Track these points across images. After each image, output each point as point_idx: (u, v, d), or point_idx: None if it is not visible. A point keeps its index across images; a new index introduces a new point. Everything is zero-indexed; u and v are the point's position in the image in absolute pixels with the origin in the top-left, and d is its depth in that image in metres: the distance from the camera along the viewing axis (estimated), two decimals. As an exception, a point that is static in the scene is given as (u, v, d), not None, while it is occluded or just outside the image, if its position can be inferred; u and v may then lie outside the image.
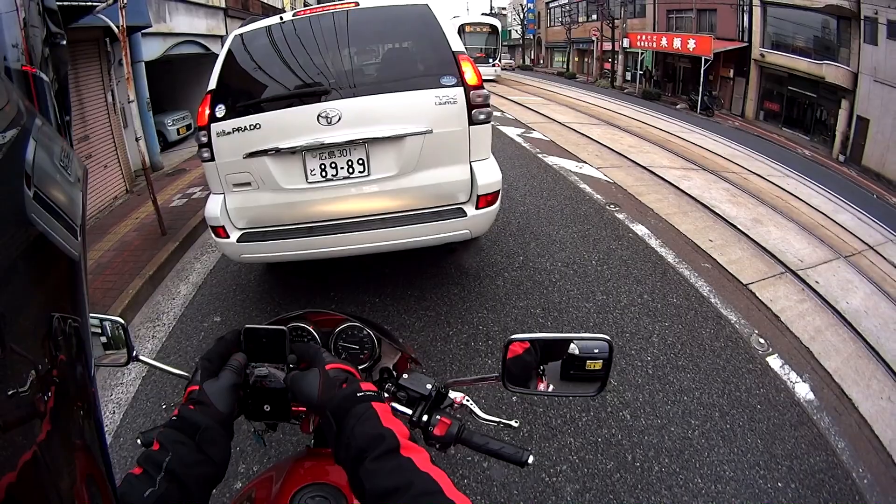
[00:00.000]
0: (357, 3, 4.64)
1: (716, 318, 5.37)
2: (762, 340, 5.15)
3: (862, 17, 24.15)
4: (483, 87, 4.39)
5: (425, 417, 1.38)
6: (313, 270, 5.75)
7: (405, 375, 1.48)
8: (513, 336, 1.37)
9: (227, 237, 4.55)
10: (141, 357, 1.49)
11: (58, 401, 0.56)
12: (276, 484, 1.32)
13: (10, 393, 0.48)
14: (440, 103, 4.27)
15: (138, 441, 1.29)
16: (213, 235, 4.68)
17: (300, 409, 1.41)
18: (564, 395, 1.64)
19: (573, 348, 1.39)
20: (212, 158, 4.40)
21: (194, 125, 13.81)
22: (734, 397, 4.29)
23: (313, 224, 4.52)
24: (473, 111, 4.32)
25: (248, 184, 4.43)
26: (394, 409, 1.37)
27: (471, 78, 4.32)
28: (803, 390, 4.57)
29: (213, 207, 4.52)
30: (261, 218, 4.57)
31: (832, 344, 5.67)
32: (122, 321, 1.48)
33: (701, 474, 3.55)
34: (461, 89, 4.29)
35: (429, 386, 1.41)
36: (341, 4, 4.67)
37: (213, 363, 1.25)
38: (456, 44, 4.47)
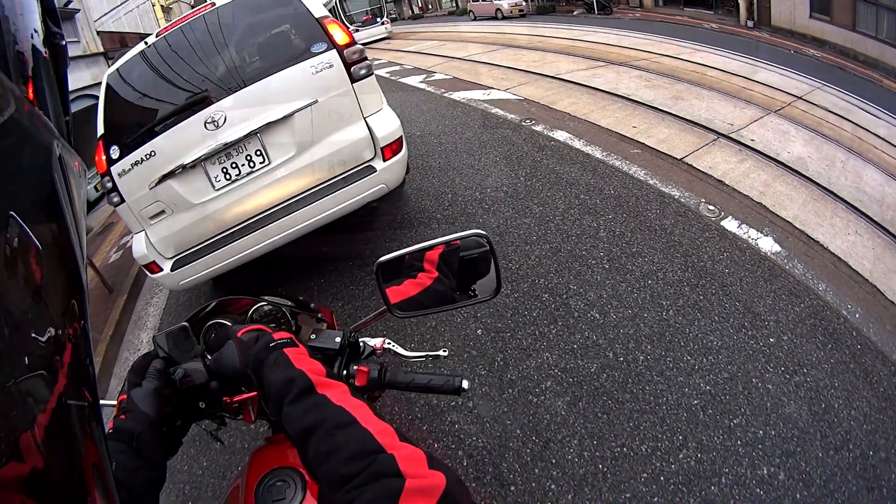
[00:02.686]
0: (213, 3, 4.59)
1: (658, 198, 5.24)
2: (711, 207, 5.05)
3: None
4: (356, 44, 4.39)
5: (345, 372, 1.36)
6: (257, 274, 5.56)
7: (313, 336, 1.44)
8: (380, 259, 1.36)
9: (161, 270, 4.50)
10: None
11: (67, 386, 0.51)
12: (241, 482, 1.30)
13: (19, 380, 0.44)
14: (317, 71, 4.25)
15: None
16: (147, 273, 4.64)
17: (239, 397, 1.29)
18: (465, 305, 1.50)
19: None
20: (122, 200, 4.34)
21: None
22: (699, 268, 4.19)
23: (235, 228, 4.47)
24: (353, 68, 4.30)
25: (163, 212, 4.38)
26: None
27: (341, 38, 4.30)
28: (767, 244, 4.51)
29: (139, 246, 4.48)
30: (185, 240, 4.51)
31: (784, 194, 5.62)
32: None
33: (688, 351, 3.47)
34: (334, 52, 4.27)
35: (338, 339, 1.39)
36: (198, 10, 4.63)
37: (139, 374, 1.25)
38: (318, 10, 4.43)
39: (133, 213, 4.39)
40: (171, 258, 4.54)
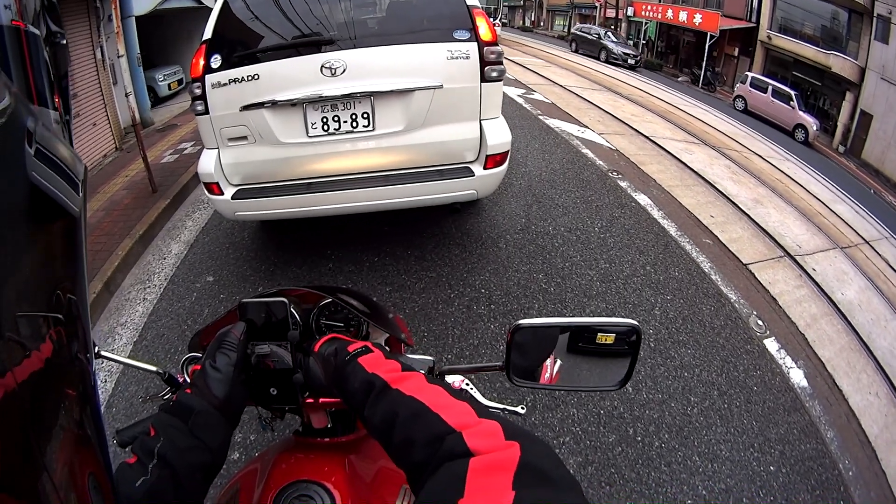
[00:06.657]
0: None
1: (716, 296, 5.34)
2: (760, 322, 5.14)
3: (875, 15, 23.96)
4: (497, 44, 4.24)
5: None
6: (309, 227, 5.61)
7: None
8: (519, 322, 1.18)
9: (222, 194, 4.39)
10: (104, 353, 1.30)
11: (52, 384, 0.56)
12: (260, 477, 1.21)
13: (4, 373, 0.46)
14: (452, 58, 4.12)
15: (114, 441, 1.15)
16: (206, 192, 4.52)
17: (326, 400, 1.26)
18: (580, 390, 1.47)
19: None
20: (206, 112, 4.21)
21: (186, 80, 13.67)
22: (732, 377, 4.30)
23: (312, 180, 4.39)
24: (486, 68, 4.17)
25: (245, 138, 4.26)
26: None
27: (485, 33, 4.16)
28: (797, 376, 4.58)
29: (207, 163, 4.34)
30: (257, 174, 4.42)
31: (826, 333, 5.70)
32: None
33: (699, 452, 3.57)
34: (475, 44, 4.14)
35: (422, 371, 1.16)
36: None
37: (220, 345, 1.14)
38: None
39: (213, 129, 4.27)
40: (236, 186, 4.44)
